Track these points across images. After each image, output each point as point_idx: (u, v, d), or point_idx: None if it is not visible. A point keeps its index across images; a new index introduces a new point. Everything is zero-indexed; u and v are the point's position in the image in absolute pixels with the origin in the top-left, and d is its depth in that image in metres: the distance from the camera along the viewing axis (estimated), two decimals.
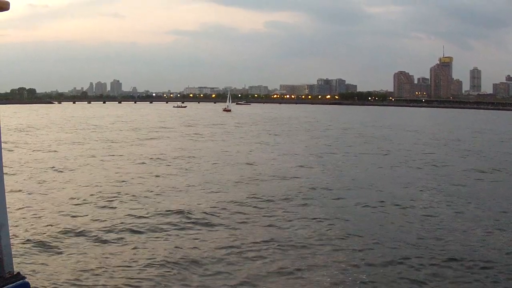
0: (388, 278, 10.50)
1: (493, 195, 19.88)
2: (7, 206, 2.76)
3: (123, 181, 21.88)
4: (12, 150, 33.64)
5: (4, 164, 2.75)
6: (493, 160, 33.19)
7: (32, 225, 13.98)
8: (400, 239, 13.28)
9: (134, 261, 11.14)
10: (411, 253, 11.95)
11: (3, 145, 2.76)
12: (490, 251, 12.27)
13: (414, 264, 11.22)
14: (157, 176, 23.82)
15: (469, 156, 35.51)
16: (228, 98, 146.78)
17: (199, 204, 17.23)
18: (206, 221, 14.92)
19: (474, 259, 11.62)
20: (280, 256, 11.69)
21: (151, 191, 19.57)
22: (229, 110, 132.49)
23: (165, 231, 13.78)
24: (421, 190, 20.89)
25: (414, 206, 17.65)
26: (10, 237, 2.76)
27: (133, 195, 18.61)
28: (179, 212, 15.87)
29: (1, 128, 2.85)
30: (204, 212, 15.95)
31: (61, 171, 24.94)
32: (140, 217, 15.24)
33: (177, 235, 13.48)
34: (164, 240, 12.98)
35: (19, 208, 15.76)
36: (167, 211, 16.03)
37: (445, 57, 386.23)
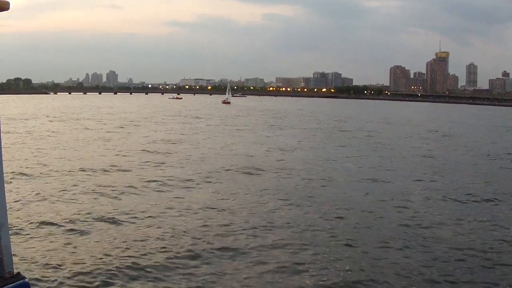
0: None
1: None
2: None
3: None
4: None
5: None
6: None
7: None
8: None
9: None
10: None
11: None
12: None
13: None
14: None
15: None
16: (227, 90, 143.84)
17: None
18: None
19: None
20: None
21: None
22: (229, 103, 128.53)
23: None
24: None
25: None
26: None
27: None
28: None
29: (0, 127, 2.78)
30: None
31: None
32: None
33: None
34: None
35: None
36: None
37: (442, 52, 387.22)
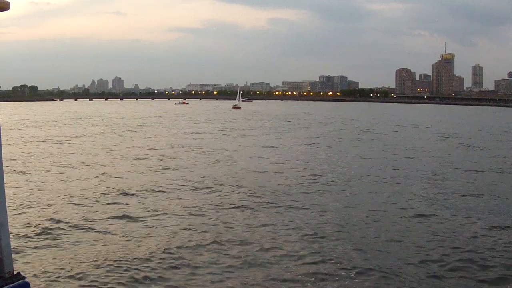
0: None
1: None
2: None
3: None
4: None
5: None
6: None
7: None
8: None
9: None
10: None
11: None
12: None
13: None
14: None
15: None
16: (238, 95, 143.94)
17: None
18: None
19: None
20: None
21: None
22: (239, 108, 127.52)
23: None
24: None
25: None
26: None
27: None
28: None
29: (1, 128, 2.86)
30: None
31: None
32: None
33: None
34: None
35: None
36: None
37: (447, 54, 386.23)
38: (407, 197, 18.57)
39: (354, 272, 10.48)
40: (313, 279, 10.15)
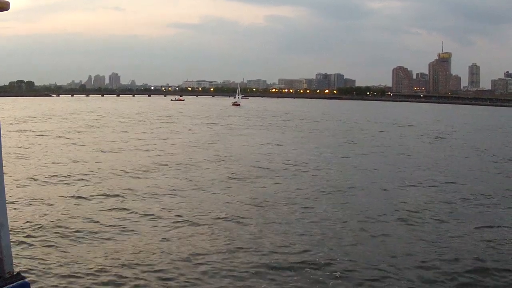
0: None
1: None
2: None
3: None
4: None
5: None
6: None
7: None
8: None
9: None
10: None
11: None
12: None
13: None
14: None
15: None
16: (237, 92, 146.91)
17: None
18: None
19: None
20: None
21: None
22: (238, 105, 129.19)
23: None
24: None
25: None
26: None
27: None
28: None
29: (0, 127, 2.81)
30: None
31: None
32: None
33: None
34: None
35: None
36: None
37: (444, 53, 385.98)
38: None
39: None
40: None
